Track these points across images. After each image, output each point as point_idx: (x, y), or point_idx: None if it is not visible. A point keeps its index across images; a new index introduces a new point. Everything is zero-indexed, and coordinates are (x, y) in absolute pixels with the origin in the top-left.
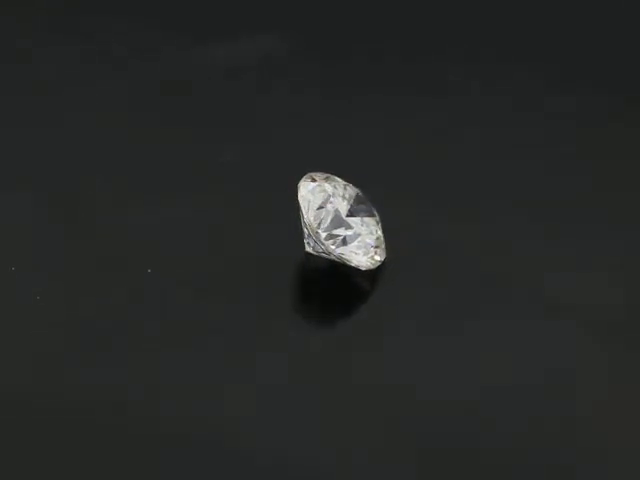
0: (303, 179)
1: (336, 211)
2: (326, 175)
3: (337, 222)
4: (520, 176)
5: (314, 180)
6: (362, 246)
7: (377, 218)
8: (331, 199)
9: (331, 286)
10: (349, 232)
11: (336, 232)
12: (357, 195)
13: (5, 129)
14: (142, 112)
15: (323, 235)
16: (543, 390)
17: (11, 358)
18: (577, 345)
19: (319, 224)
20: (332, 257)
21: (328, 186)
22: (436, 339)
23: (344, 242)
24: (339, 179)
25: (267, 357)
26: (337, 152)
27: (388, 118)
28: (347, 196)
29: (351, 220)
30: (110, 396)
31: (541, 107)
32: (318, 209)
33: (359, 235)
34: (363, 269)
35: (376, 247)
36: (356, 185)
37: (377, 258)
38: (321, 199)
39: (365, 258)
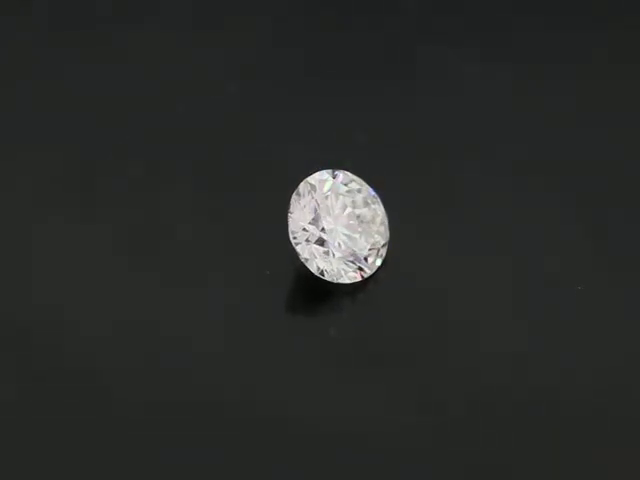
0: (334, 172)
1: (325, 213)
2: (360, 187)
3: (317, 221)
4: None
5: (344, 184)
6: (321, 254)
7: (381, 252)
8: (332, 203)
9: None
10: (322, 235)
11: (308, 227)
12: (372, 217)
13: None
14: None
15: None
16: None
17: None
18: None
19: (300, 213)
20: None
21: (346, 191)
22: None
23: (308, 240)
24: (375, 198)
25: (266, 355)
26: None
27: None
28: (358, 215)
29: (338, 230)
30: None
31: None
32: (311, 200)
33: (328, 244)
34: (312, 271)
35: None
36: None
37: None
38: (323, 195)
39: (321, 263)
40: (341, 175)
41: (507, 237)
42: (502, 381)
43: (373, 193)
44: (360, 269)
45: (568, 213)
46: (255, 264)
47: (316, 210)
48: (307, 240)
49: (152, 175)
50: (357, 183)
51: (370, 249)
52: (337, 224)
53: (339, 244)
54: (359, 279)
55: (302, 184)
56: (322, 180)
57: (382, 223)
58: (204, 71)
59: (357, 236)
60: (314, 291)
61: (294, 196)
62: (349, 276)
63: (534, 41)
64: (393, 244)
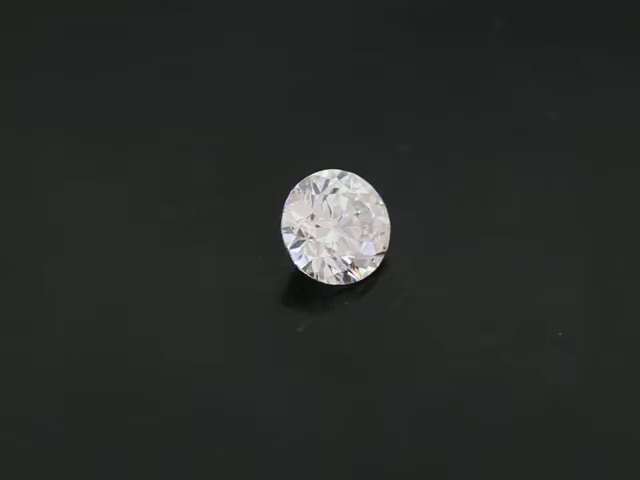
0: (344, 173)
1: (324, 211)
2: (368, 193)
3: (313, 218)
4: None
5: (350, 187)
6: (311, 251)
7: (375, 260)
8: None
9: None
10: (315, 232)
11: (303, 222)
12: (373, 224)
13: None
14: None
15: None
16: None
17: None
18: None
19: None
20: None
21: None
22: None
23: (301, 235)
24: (382, 207)
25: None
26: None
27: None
28: (358, 220)
29: (334, 231)
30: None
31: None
32: (313, 195)
33: (319, 242)
34: (299, 266)
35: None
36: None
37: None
38: (326, 193)
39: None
40: (350, 177)
41: (507, 241)
42: (494, 383)
43: (381, 202)
44: (349, 272)
45: (569, 213)
46: (250, 261)
47: (315, 206)
48: (300, 234)
49: (153, 176)
50: (366, 189)
51: (364, 255)
52: (334, 225)
53: (332, 245)
54: (344, 283)
55: (308, 178)
56: (329, 178)
57: (382, 233)
58: (208, 71)
59: (353, 241)
60: (299, 287)
61: (297, 188)
62: (336, 277)
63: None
64: (392, 250)
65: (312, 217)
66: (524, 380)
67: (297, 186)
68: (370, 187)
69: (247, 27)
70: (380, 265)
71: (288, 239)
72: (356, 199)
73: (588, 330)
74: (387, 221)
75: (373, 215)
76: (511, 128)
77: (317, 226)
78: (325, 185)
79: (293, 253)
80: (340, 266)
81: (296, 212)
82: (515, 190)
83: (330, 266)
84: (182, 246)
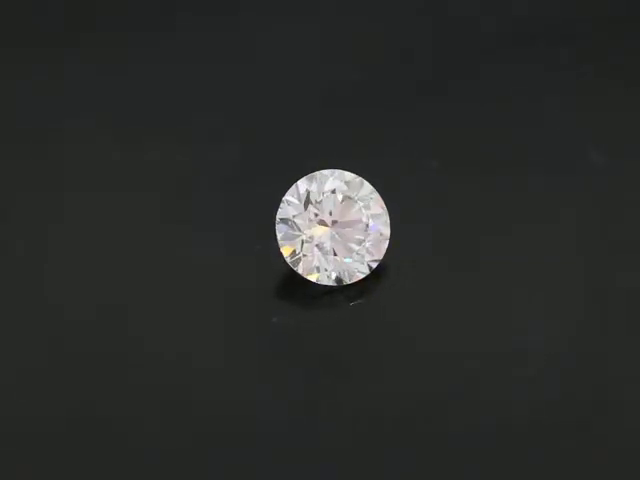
0: (354, 177)
1: (324, 211)
2: (370, 199)
3: (312, 215)
4: None
5: (354, 189)
6: (304, 247)
7: (369, 266)
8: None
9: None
10: (311, 229)
11: (299, 218)
12: (370, 230)
13: None
14: None
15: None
16: None
17: None
18: None
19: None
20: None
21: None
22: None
23: (297, 230)
24: (384, 216)
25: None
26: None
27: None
28: (356, 225)
29: (331, 231)
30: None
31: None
32: (316, 192)
33: (313, 240)
34: (287, 260)
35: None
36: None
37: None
38: (328, 193)
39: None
40: (357, 181)
41: (507, 241)
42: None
43: (385, 211)
44: (340, 274)
45: (568, 214)
46: (245, 260)
47: (316, 204)
48: (295, 229)
49: (152, 175)
50: (372, 195)
51: (357, 260)
52: (332, 225)
53: (326, 244)
54: (335, 284)
55: (316, 173)
56: (335, 179)
57: (380, 241)
58: (210, 71)
59: (348, 244)
60: (289, 285)
61: (300, 182)
62: (328, 277)
63: None
64: (392, 250)
65: (311, 214)
66: (523, 381)
67: (302, 180)
68: (377, 195)
69: (248, 28)
70: (378, 266)
71: (281, 231)
72: (360, 203)
73: (587, 330)
74: (387, 231)
75: (372, 223)
76: (511, 130)
77: (314, 224)
78: (330, 184)
79: (283, 246)
80: (331, 266)
81: (294, 206)
82: (515, 190)
83: (321, 265)
84: (181, 244)
